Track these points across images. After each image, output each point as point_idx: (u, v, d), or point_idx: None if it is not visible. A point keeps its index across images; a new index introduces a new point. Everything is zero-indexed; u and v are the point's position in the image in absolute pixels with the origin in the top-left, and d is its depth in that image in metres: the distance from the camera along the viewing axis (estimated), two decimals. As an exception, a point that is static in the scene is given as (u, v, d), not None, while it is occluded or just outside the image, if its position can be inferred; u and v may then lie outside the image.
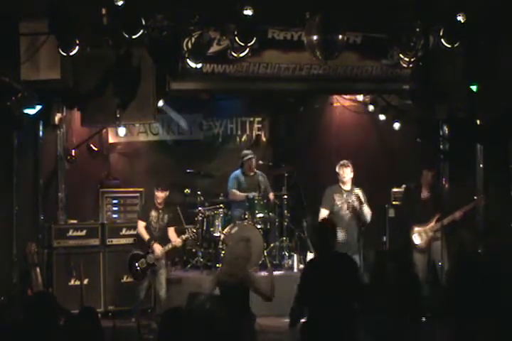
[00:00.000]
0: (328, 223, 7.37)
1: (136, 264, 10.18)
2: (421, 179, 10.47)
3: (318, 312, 6.69)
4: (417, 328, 6.66)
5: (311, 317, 6.79)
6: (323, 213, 9.94)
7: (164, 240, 10.24)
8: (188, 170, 11.95)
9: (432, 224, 10.22)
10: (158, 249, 10.09)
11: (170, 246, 10.19)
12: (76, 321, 5.88)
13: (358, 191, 10.01)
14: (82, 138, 11.36)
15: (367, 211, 9.96)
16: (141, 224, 10.29)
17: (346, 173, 10.00)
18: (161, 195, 10.23)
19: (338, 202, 9.98)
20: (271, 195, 11.93)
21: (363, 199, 9.94)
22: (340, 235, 9.69)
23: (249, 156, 11.89)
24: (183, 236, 10.26)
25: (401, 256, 7.65)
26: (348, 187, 10.05)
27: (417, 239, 10.26)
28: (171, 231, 10.33)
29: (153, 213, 10.30)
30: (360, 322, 6.85)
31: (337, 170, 10.09)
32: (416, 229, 10.27)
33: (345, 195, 10.01)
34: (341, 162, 10.11)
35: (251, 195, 11.71)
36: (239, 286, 8.28)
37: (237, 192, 11.84)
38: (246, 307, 8.40)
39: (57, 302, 6.18)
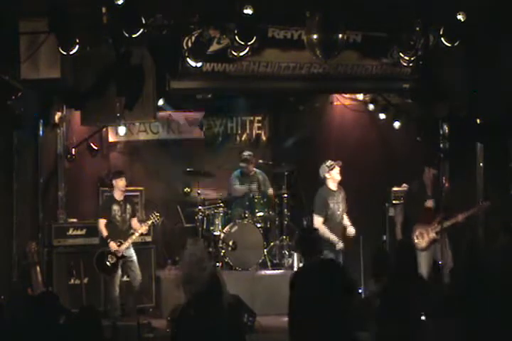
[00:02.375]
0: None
1: (107, 259, 10.18)
2: (423, 177, 10.42)
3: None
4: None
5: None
6: (319, 221, 9.83)
7: (130, 232, 10.37)
8: (188, 169, 11.94)
9: (435, 224, 10.17)
10: (113, 247, 10.14)
11: (136, 234, 10.27)
12: (76, 320, 5.88)
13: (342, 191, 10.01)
14: (82, 137, 11.36)
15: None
16: (102, 222, 10.32)
17: (338, 174, 9.97)
18: (121, 182, 10.34)
19: (332, 205, 9.94)
20: (270, 191, 11.94)
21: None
22: (338, 235, 9.72)
23: (246, 157, 11.91)
24: (148, 222, 10.35)
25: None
26: (335, 187, 10.02)
27: (418, 239, 10.23)
28: (134, 222, 10.41)
29: (115, 207, 10.37)
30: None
31: (328, 170, 10.01)
32: (418, 229, 10.23)
33: (335, 196, 9.97)
34: (336, 162, 10.04)
35: (253, 186, 11.75)
36: (207, 287, 8.09)
37: (239, 187, 11.85)
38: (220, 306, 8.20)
39: (59, 301, 6.18)
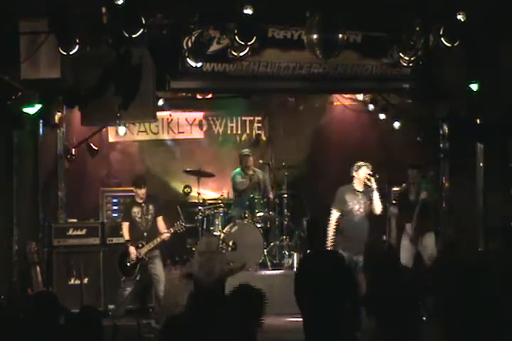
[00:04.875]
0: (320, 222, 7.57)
1: (128, 260, 10.12)
2: (409, 179, 10.50)
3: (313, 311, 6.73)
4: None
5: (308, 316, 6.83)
6: (335, 214, 9.75)
7: (155, 233, 10.20)
8: (188, 169, 11.94)
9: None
10: (132, 252, 10.07)
11: (158, 240, 10.14)
12: (76, 320, 5.87)
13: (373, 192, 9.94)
14: (82, 137, 11.35)
15: (378, 206, 9.91)
16: (125, 225, 10.26)
17: (365, 174, 9.89)
18: (141, 191, 10.22)
19: (350, 202, 9.86)
20: (270, 194, 11.94)
21: (375, 198, 9.89)
22: (351, 233, 9.67)
23: (245, 153, 11.91)
24: (171, 230, 10.17)
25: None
26: (361, 187, 9.95)
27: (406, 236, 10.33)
28: (160, 221, 10.25)
29: (135, 209, 10.26)
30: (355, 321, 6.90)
31: (356, 170, 9.91)
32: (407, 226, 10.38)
33: (357, 196, 9.90)
34: (366, 164, 9.97)
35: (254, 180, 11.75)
36: (217, 282, 8.11)
37: (243, 180, 11.81)
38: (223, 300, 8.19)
39: (57, 301, 6.17)
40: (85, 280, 10.59)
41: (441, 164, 11.89)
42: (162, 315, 9.87)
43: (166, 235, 10.16)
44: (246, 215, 11.54)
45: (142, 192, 10.23)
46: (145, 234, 10.20)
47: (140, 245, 10.11)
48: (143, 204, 10.26)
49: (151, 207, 10.28)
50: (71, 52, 8.73)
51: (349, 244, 9.60)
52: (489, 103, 9.90)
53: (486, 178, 11.39)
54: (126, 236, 10.21)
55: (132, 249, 10.09)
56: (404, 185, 11.14)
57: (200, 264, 8.24)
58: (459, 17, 9.21)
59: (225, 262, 8.52)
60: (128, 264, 10.10)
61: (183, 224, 10.28)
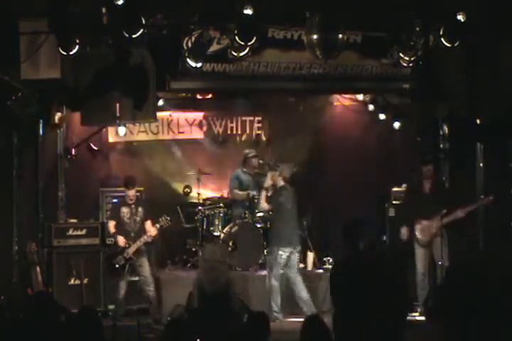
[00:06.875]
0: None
1: (114, 261, 10.16)
2: (420, 176, 10.46)
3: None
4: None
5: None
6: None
7: (142, 235, 10.24)
8: (188, 170, 11.93)
9: (437, 220, 10.17)
10: (121, 241, 10.13)
11: (145, 237, 10.16)
12: (76, 320, 5.87)
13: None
14: (82, 138, 11.35)
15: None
16: (111, 223, 10.36)
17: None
18: (131, 193, 10.28)
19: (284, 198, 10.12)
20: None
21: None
22: (289, 226, 9.99)
23: (252, 154, 11.91)
24: (157, 225, 10.20)
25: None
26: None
27: (420, 234, 10.24)
28: (148, 225, 10.28)
29: (124, 209, 10.32)
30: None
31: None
32: (420, 224, 10.24)
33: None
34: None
35: (252, 193, 11.73)
36: (222, 291, 8.14)
37: (239, 192, 11.84)
38: (230, 310, 8.22)
39: (54, 301, 6.18)
40: (85, 281, 10.58)
41: (441, 164, 11.88)
42: (162, 315, 9.88)
43: (152, 230, 10.19)
44: (246, 215, 11.54)
45: (132, 193, 10.29)
46: (132, 234, 10.24)
47: (127, 245, 10.14)
48: (132, 206, 10.32)
49: (140, 209, 10.34)
50: (71, 52, 8.74)
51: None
52: (489, 103, 9.90)
53: (486, 178, 11.39)
54: (112, 229, 10.31)
55: (121, 238, 10.13)
56: (404, 184, 11.13)
57: (204, 271, 8.29)
58: (459, 17, 9.23)
59: (229, 272, 8.57)
60: (117, 265, 10.13)
61: (168, 218, 10.29)
